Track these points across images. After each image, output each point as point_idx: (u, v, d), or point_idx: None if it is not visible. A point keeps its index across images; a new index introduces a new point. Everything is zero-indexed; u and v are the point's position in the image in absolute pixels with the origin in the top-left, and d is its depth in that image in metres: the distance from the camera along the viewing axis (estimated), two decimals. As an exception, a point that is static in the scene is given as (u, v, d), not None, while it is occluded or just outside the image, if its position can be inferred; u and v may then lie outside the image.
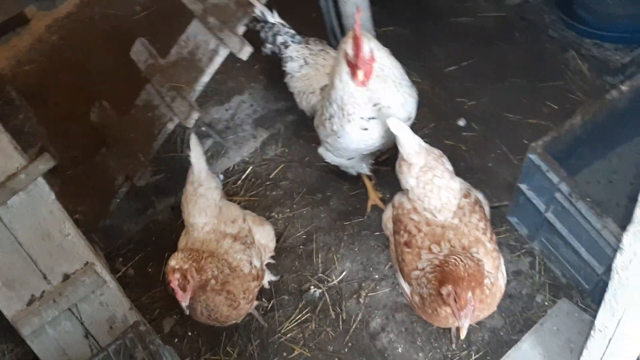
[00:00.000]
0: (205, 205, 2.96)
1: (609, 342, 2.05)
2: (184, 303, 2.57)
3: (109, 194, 3.72)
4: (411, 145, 2.61)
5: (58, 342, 3.15)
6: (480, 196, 2.79)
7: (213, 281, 2.69)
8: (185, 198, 3.00)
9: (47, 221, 3.04)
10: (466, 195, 2.65)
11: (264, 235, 3.13)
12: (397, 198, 2.79)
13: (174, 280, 2.52)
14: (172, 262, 2.57)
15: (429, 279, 2.39)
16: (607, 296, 1.88)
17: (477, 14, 4.13)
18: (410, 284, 2.58)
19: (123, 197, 3.72)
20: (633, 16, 3.55)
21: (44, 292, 3.06)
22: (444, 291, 2.24)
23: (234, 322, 2.95)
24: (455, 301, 2.19)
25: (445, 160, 2.70)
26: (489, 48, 3.95)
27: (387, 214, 2.91)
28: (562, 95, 3.64)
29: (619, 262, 1.69)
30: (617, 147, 3.24)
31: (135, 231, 3.79)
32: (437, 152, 2.70)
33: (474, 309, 2.21)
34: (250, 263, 2.90)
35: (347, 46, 2.59)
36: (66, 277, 3.08)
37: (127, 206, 3.82)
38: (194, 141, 3.01)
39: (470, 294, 2.18)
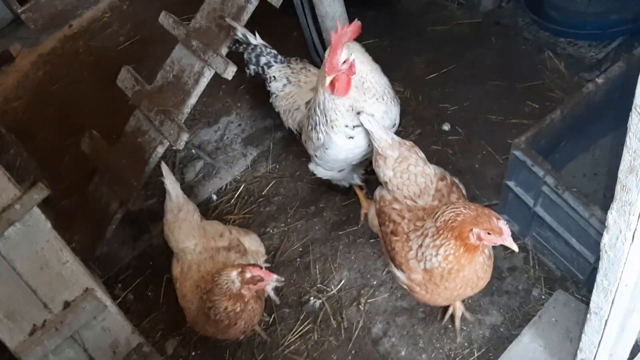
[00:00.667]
0: (189, 228, 2.99)
1: (605, 323, 2.10)
2: (274, 277, 2.62)
3: (103, 222, 3.74)
4: (384, 139, 2.74)
5: (62, 371, 3.16)
6: (456, 180, 2.88)
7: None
8: (169, 227, 3.02)
9: (45, 250, 3.05)
10: (442, 178, 2.77)
11: (252, 242, 3.19)
12: (378, 192, 2.90)
13: (255, 270, 2.58)
14: (234, 273, 2.59)
15: (438, 245, 2.43)
16: (599, 277, 1.93)
17: (453, 22, 4.24)
18: (403, 271, 2.63)
19: (118, 224, 3.74)
20: (602, 14, 3.67)
21: (45, 321, 3.07)
22: (472, 236, 2.34)
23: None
24: (489, 233, 2.30)
25: (417, 149, 2.81)
26: (467, 54, 4.05)
27: (372, 212, 3.00)
28: (541, 94, 3.74)
29: (606, 240, 1.75)
30: (599, 139, 3.32)
31: (133, 257, 3.82)
32: (408, 143, 2.81)
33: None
34: None
35: (327, 52, 2.68)
36: (67, 304, 3.09)
37: (122, 232, 3.85)
38: (165, 169, 3.04)
39: (495, 220, 2.30)
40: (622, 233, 1.66)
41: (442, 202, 2.66)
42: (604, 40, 3.72)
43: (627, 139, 1.41)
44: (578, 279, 3.03)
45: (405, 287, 2.73)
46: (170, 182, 3.01)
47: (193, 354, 3.37)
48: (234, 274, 2.59)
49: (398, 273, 2.70)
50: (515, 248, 2.37)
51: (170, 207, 3.02)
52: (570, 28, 3.76)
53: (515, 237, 3.22)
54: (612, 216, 1.65)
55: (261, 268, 2.63)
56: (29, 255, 3.04)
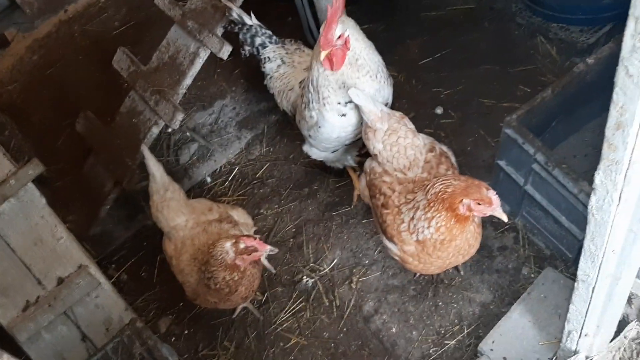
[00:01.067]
0: (178, 205, 3.01)
1: (593, 291, 2.13)
2: (268, 247, 2.64)
3: (98, 202, 3.76)
4: (373, 112, 2.76)
5: (55, 347, 3.16)
6: (445, 148, 2.92)
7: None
8: (157, 208, 3.03)
9: (39, 226, 3.07)
10: (431, 149, 2.79)
11: (240, 215, 3.22)
12: (368, 164, 2.92)
13: (248, 240, 2.61)
14: (228, 244, 2.62)
15: (430, 218, 2.48)
16: (586, 242, 1.96)
17: (447, 7, 4.26)
18: (395, 243, 2.66)
19: (113, 204, 3.77)
20: (593, -2, 3.71)
21: (38, 297, 3.08)
22: (462, 207, 2.38)
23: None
24: (479, 204, 2.35)
25: (407, 121, 2.83)
26: (461, 38, 4.07)
27: (363, 183, 3.03)
28: (533, 78, 3.77)
29: (593, 203, 1.77)
30: (590, 121, 3.35)
31: (127, 237, 3.84)
32: (397, 114, 2.83)
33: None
34: None
35: (322, 27, 2.70)
36: (60, 280, 3.10)
37: (117, 213, 3.87)
38: (146, 152, 3.06)
39: (485, 190, 2.34)
40: (608, 194, 1.69)
41: (431, 173, 2.70)
42: (595, 25, 3.75)
43: (614, 94, 1.44)
44: (567, 258, 3.07)
45: (397, 258, 2.76)
46: (153, 164, 3.03)
47: (186, 332, 3.40)
48: (227, 244, 2.61)
49: (390, 245, 2.74)
50: (504, 218, 2.40)
51: (156, 188, 3.04)
52: (562, 13, 3.79)
53: (506, 217, 3.29)
54: (599, 176, 1.68)
55: (255, 238, 2.65)
56: (23, 231, 3.05)
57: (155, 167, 3.02)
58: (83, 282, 3.08)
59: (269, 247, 2.64)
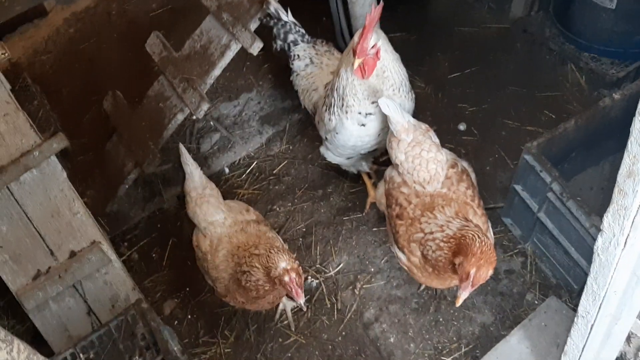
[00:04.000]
0: (217, 203, 3.01)
1: (591, 328, 2.15)
2: (302, 300, 2.60)
3: (117, 180, 3.84)
4: (400, 123, 2.76)
5: (60, 318, 3.24)
6: (466, 164, 2.92)
7: None
8: (195, 203, 3.00)
9: (58, 199, 3.14)
10: (453, 166, 2.79)
11: None
12: (388, 172, 2.93)
13: (293, 280, 2.55)
14: (283, 264, 2.56)
15: (440, 247, 2.49)
16: (589, 280, 1.98)
17: (481, 24, 4.27)
18: (404, 253, 2.70)
19: (131, 184, 3.84)
20: (627, 33, 3.68)
21: (50, 267, 3.16)
22: (456, 261, 2.37)
23: None
24: (462, 276, 2.33)
25: (432, 134, 2.84)
26: (491, 57, 4.08)
27: (381, 190, 3.05)
28: (559, 105, 3.77)
29: (599, 244, 1.79)
30: (610, 155, 3.34)
31: (141, 218, 3.91)
32: (424, 126, 2.83)
33: (473, 284, 2.33)
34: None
35: (356, 35, 2.74)
36: (73, 254, 3.18)
37: (134, 193, 3.94)
38: (184, 152, 3.05)
39: (474, 270, 2.30)
40: (615, 237, 1.71)
41: (450, 189, 2.70)
42: (626, 59, 3.74)
43: (629, 143, 1.46)
44: (572, 289, 3.08)
45: (405, 267, 2.80)
46: (191, 163, 3.02)
47: (189, 317, 3.46)
48: (283, 263, 2.57)
49: (399, 254, 2.77)
50: (457, 302, 2.41)
51: (194, 186, 3.03)
52: (594, 44, 3.78)
53: (516, 242, 3.32)
54: (607, 219, 1.69)
55: (301, 284, 2.60)
56: (42, 202, 3.12)
57: (193, 167, 3.03)
58: (94, 257, 3.15)
59: (302, 300, 2.59)
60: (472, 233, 2.41)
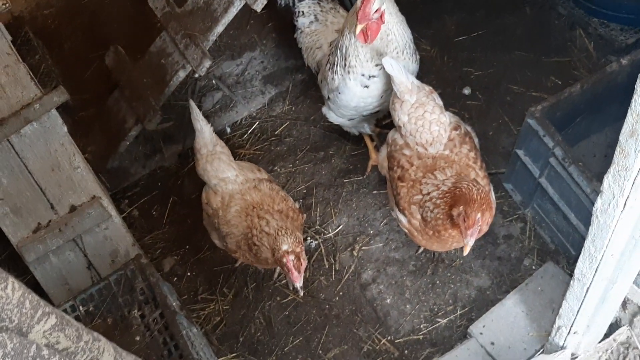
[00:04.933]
0: (229, 160, 2.99)
1: (587, 291, 2.15)
2: (299, 283, 2.63)
3: (118, 136, 3.82)
4: (404, 84, 2.73)
5: (60, 270, 3.28)
6: (469, 129, 2.92)
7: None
8: (206, 160, 2.98)
9: (58, 153, 3.14)
10: (456, 128, 2.78)
11: None
12: (391, 135, 2.92)
13: (290, 262, 2.58)
14: (285, 247, 2.60)
15: (437, 204, 2.52)
16: (587, 243, 1.97)
17: (490, -14, 4.19)
18: (405, 215, 2.70)
19: (132, 141, 3.83)
20: (640, -3, 3.62)
21: (50, 221, 3.17)
22: (454, 212, 2.40)
23: None
24: (464, 220, 2.35)
25: (435, 96, 2.82)
26: (499, 21, 4.01)
27: (383, 154, 3.04)
28: (566, 71, 3.71)
29: (598, 205, 1.78)
30: (615, 122, 3.28)
31: (142, 175, 3.91)
32: (427, 88, 2.81)
33: (481, 230, 2.38)
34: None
35: (358, 1, 2.69)
36: (73, 208, 3.19)
37: (135, 150, 3.93)
38: (194, 109, 3.00)
39: (479, 214, 2.33)
40: (614, 198, 1.70)
41: (453, 151, 2.70)
42: (636, 25, 3.67)
43: (633, 101, 1.44)
44: (570, 255, 3.08)
45: (405, 230, 2.82)
46: (201, 120, 2.98)
47: (188, 274, 3.48)
48: (285, 246, 2.60)
49: (400, 216, 2.78)
50: (465, 251, 2.44)
51: (204, 143, 3.00)
52: (604, 9, 3.70)
53: (516, 207, 3.32)
54: (607, 180, 1.68)
55: (300, 268, 2.62)
56: (42, 155, 3.12)
57: (203, 123, 2.99)
58: (95, 212, 3.16)
59: (299, 284, 2.62)
60: (467, 183, 2.44)
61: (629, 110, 1.45)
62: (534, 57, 3.82)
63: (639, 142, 1.48)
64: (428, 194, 2.62)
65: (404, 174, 2.74)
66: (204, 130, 2.99)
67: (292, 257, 2.57)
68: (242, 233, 2.85)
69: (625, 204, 1.69)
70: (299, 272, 2.58)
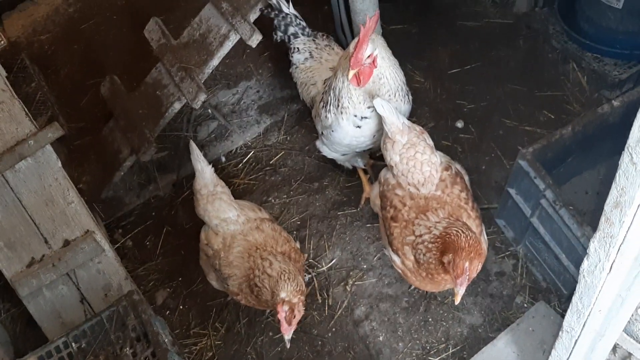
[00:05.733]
0: (229, 200, 2.98)
1: (575, 342, 2.16)
2: (287, 336, 2.61)
3: (113, 167, 3.84)
4: (395, 124, 2.75)
5: (54, 305, 3.28)
6: (459, 167, 2.92)
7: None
8: (206, 200, 2.96)
9: (52, 187, 3.15)
10: (447, 168, 2.79)
11: None
12: (383, 174, 2.94)
13: (282, 313, 2.56)
14: (283, 294, 2.58)
15: (429, 248, 2.54)
16: (574, 299, 1.99)
17: (484, 19, 4.22)
18: (399, 255, 2.72)
19: (127, 171, 3.84)
20: (632, 33, 3.63)
21: (44, 255, 3.18)
22: (445, 259, 2.41)
23: None
24: (454, 269, 2.36)
25: (426, 136, 2.84)
26: (493, 53, 4.04)
27: (375, 191, 3.05)
28: (559, 105, 3.74)
29: (585, 266, 1.80)
30: (607, 159, 3.33)
31: (137, 205, 3.92)
32: (418, 128, 2.83)
33: (469, 277, 2.37)
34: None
35: (352, 45, 2.72)
36: (66, 242, 3.20)
37: (130, 179, 3.95)
38: (195, 150, 2.98)
39: (467, 263, 2.34)
40: (600, 262, 1.71)
41: (445, 192, 2.71)
42: (630, 60, 3.70)
43: (617, 175, 1.45)
44: (562, 293, 3.09)
45: (399, 270, 2.82)
46: (202, 161, 2.97)
47: (181, 307, 3.49)
48: (283, 294, 2.58)
49: (394, 257, 2.79)
50: (456, 300, 2.45)
51: (204, 183, 2.98)
52: (598, 43, 3.73)
53: (508, 244, 3.33)
54: (593, 245, 1.69)
55: (292, 321, 2.59)
56: (36, 190, 3.14)
57: (204, 164, 2.98)
58: (88, 247, 3.17)
59: (287, 337, 2.61)
60: (456, 229, 2.46)
61: (613, 184, 1.47)
62: (527, 90, 3.84)
63: (623, 213, 1.49)
64: (420, 235, 2.63)
65: (396, 214, 2.75)
66: (205, 171, 2.98)
67: (285, 307, 2.55)
68: (244, 274, 2.83)
69: (611, 267, 1.71)
70: (290, 324, 2.57)
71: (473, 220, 2.70)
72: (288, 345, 2.65)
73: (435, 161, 2.79)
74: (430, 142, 2.86)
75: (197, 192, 3.00)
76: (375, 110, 2.81)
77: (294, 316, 2.57)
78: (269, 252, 2.83)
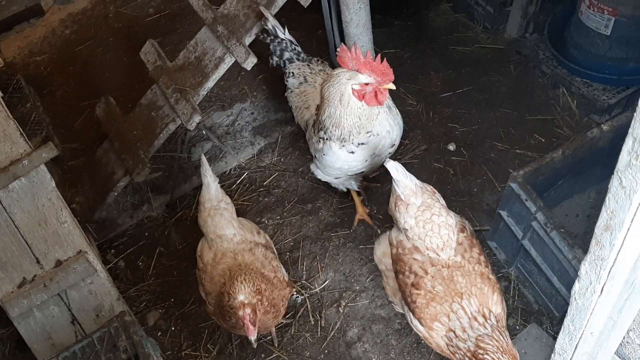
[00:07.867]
0: (230, 217, 2.99)
1: (567, 365, 2.17)
2: (253, 337, 2.59)
3: (107, 187, 3.84)
4: (409, 187, 2.61)
5: (44, 326, 3.26)
6: (467, 223, 2.79)
7: (266, 303, 2.73)
8: (208, 214, 2.98)
9: (45, 208, 3.14)
10: (462, 229, 2.66)
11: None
12: (395, 235, 2.75)
13: (246, 316, 2.55)
14: (241, 297, 2.57)
15: (462, 358, 2.47)
16: (566, 321, 2.00)
17: (476, 44, 4.29)
18: (422, 324, 2.60)
19: (120, 192, 3.85)
20: (621, 59, 3.71)
21: (35, 276, 3.17)
22: None
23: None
24: None
25: (439, 196, 2.71)
26: (484, 78, 4.10)
27: (382, 249, 2.91)
28: (549, 129, 3.79)
29: (577, 289, 1.82)
30: (597, 183, 3.37)
31: (130, 225, 3.91)
32: (429, 188, 2.70)
33: None
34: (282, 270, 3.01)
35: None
36: (58, 263, 3.19)
37: (123, 200, 3.95)
38: (205, 164, 3.01)
39: None
40: (591, 284, 1.73)
41: (464, 257, 2.57)
42: (619, 86, 3.77)
43: (607, 198, 1.48)
44: (554, 316, 3.10)
45: (420, 335, 2.68)
46: (210, 175, 3.00)
47: (173, 328, 3.47)
48: (241, 296, 2.59)
49: (415, 322, 2.65)
50: None
51: (209, 197, 3.01)
52: (587, 69, 3.80)
53: (500, 266, 3.35)
54: (584, 267, 1.71)
55: (255, 321, 2.60)
56: (29, 210, 3.13)
57: (211, 179, 3.00)
58: (80, 267, 3.16)
59: (253, 338, 2.60)
60: (491, 356, 2.37)
61: (603, 207, 1.50)
62: (518, 114, 3.90)
63: (614, 236, 1.51)
64: (454, 331, 2.49)
65: (418, 281, 2.57)
66: (211, 186, 3.01)
67: (248, 310, 2.54)
68: (217, 295, 2.82)
69: (602, 289, 1.72)
70: (255, 325, 2.55)
71: (494, 285, 2.57)
72: (255, 345, 2.65)
73: (452, 223, 2.61)
74: (443, 202, 2.72)
75: (200, 203, 3.04)
76: (369, 140, 2.85)
77: (256, 315, 2.56)
78: (249, 270, 2.81)
